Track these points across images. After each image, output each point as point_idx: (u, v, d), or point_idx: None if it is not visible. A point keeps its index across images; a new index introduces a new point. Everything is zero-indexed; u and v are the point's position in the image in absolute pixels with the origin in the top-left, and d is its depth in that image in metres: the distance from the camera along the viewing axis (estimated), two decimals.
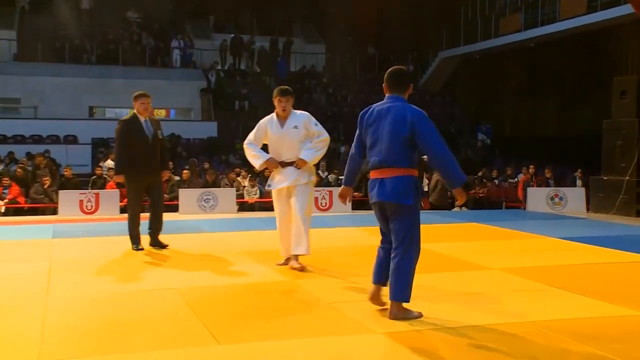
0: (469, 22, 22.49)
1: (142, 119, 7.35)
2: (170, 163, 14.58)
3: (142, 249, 7.28)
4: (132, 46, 22.38)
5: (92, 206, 12.43)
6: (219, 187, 13.52)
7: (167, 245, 7.51)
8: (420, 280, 5.42)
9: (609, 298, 4.96)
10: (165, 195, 13.05)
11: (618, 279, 5.88)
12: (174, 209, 12.92)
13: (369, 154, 4.43)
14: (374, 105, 4.51)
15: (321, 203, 13.16)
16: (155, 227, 7.52)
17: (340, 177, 14.92)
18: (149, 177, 7.37)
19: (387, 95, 4.49)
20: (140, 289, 5.30)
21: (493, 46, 20.83)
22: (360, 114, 4.51)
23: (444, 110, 22.94)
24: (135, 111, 7.40)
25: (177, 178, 13.94)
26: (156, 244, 7.51)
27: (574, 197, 13.15)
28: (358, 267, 6.29)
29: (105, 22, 22.86)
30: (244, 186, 13.94)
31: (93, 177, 13.70)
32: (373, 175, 4.40)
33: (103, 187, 13.23)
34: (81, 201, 12.42)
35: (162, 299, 4.96)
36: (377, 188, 4.35)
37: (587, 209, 12.77)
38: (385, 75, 4.51)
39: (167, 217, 11.87)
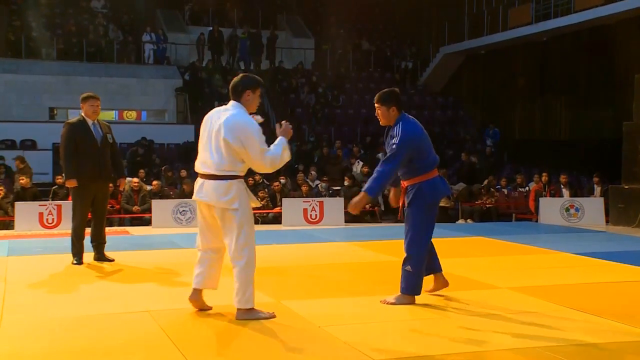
0: (473, 14, 22.63)
1: (90, 121, 7.59)
2: (142, 171, 14.73)
3: (82, 264, 7.49)
4: (98, 40, 22.36)
5: (53, 219, 12.38)
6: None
7: (113, 260, 7.69)
8: (420, 300, 5.45)
9: (630, 320, 5.00)
10: (137, 208, 13.15)
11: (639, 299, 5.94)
12: (147, 222, 12.91)
13: (433, 155, 5.58)
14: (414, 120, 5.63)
15: (311, 215, 13.20)
16: (100, 240, 7.73)
17: (334, 188, 15.00)
18: (97, 184, 7.56)
19: (401, 112, 5.62)
20: (107, 312, 5.29)
21: (501, 40, 20.95)
22: (413, 135, 5.46)
23: (446, 111, 23.06)
24: (82, 114, 7.64)
25: (149, 188, 13.92)
26: (102, 258, 7.69)
27: (592, 208, 13.24)
28: (351, 286, 6.31)
29: (67, 13, 22.83)
30: None
31: (54, 187, 13.65)
32: (437, 172, 5.57)
33: (66, 197, 13.16)
34: (41, 214, 12.37)
35: (133, 323, 4.95)
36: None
37: (606, 222, 12.85)
38: (396, 96, 5.73)
39: (138, 231, 11.95)
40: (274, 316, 5.04)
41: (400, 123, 5.49)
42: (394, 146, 5.36)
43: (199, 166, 5.10)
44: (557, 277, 6.84)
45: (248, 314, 4.99)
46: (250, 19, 24.84)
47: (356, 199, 5.35)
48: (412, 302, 5.45)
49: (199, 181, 5.11)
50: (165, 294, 6.03)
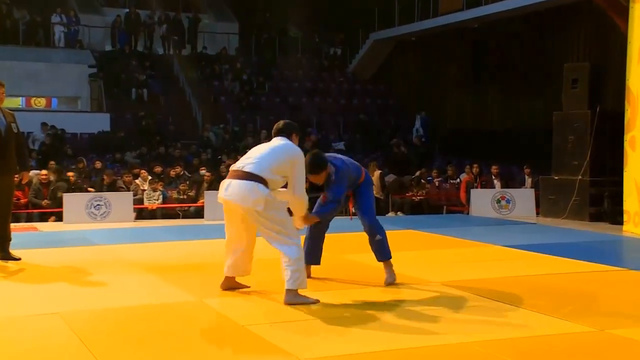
0: None
1: None
2: (53, 163, 14.33)
3: None
4: (1, 20, 21.57)
5: None
6: (114, 191, 13.23)
7: (19, 259, 7.47)
8: (349, 295, 5.50)
9: (559, 313, 5.17)
10: (46, 202, 12.79)
11: (569, 291, 6.13)
12: (58, 217, 12.59)
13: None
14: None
15: None
16: (4, 237, 7.49)
17: None
18: (0, 178, 7.32)
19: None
20: (14, 315, 5.14)
21: (432, 27, 21.24)
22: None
23: (376, 100, 23.28)
24: None
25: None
26: (6, 257, 7.46)
27: (523, 199, 13.59)
28: (278, 283, 6.29)
29: None
30: (144, 189, 13.72)
31: None
32: None
33: None
34: None
35: (42, 326, 4.83)
36: None
37: (537, 213, 13.23)
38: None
39: (48, 227, 11.63)
40: (318, 301, 5.45)
41: (334, 176, 6.04)
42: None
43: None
44: (488, 271, 7.00)
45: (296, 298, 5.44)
46: (170, 1, 24.44)
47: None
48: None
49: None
50: (78, 295, 5.89)
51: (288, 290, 5.42)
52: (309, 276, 6.21)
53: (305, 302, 5.42)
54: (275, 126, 5.84)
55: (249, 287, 5.91)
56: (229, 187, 5.45)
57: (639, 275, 6.89)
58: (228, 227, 5.75)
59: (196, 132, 20.53)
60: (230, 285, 5.91)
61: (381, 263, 6.33)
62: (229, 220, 5.71)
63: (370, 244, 6.32)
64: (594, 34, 17.05)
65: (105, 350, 4.27)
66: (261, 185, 5.36)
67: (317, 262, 6.44)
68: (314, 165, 5.95)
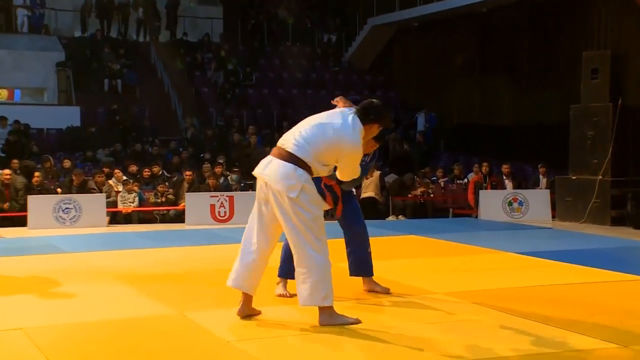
0: None
1: None
2: (16, 161, 14.30)
3: None
4: None
5: None
6: (85, 192, 13.21)
7: None
8: (343, 308, 5.49)
9: (577, 327, 5.16)
10: (8, 205, 12.75)
11: (588, 303, 6.12)
12: (22, 222, 12.57)
13: None
14: None
15: (219, 212, 13.11)
16: None
17: (249, 182, 14.93)
18: None
19: None
20: None
21: (436, 11, 21.24)
22: None
23: (374, 92, 23.27)
24: None
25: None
26: None
27: (537, 201, 13.62)
28: (264, 293, 6.28)
29: None
30: (118, 191, 13.70)
31: None
32: None
33: None
34: None
35: (3, 343, 4.80)
36: None
37: (553, 216, 13.24)
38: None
39: (12, 233, 11.60)
40: (359, 321, 5.21)
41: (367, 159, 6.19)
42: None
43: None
44: (498, 280, 7.01)
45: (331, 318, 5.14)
46: None
47: None
48: None
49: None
50: (44, 308, 5.87)
51: (322, 309, 5.09)
52: (287, 293, 6.01)
53: (344, 322, 5.13)
54: (362, 104, 5.38)
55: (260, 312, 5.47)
56: (268, 165, 5.13)
57: None
58: (254, 215, 5.35)
59: (176, 127, 20.51)
60: (250, 311, 5.37)
61: (360, 277, 6.29)
62: (258, 206, 5.29)
63: (356, 256, 6.20)
64: (615, 19, 17.08)
65: None
66: (301, 170, 5.02)
67: (294, 277, 6.04)
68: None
